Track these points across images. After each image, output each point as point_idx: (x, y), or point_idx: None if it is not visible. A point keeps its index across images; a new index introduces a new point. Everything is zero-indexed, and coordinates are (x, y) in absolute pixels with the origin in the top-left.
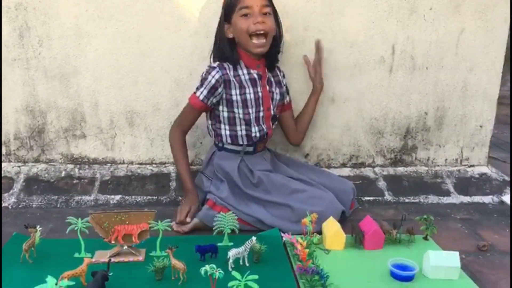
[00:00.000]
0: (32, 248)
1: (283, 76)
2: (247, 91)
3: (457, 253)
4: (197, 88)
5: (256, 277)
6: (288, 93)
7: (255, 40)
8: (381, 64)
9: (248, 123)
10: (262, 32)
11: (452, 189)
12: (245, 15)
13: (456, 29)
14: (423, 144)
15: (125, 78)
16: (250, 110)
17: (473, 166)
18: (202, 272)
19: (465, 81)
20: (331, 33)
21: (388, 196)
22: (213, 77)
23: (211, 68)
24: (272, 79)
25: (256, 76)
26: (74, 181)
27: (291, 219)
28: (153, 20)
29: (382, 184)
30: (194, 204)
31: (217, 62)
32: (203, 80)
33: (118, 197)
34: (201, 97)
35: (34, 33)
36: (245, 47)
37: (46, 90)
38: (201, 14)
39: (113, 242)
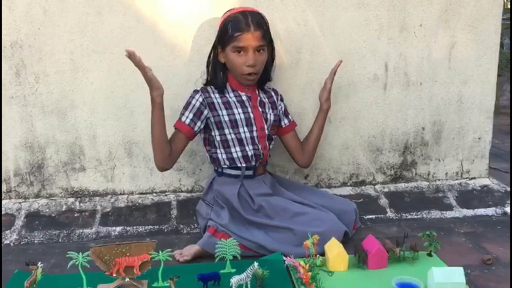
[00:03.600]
0: (34, 285)
1: (281, 99)
2: (236, 111)
3: (461, 269)
4: (182, 114)
5: None
6: (287, 115)
7: (247, 76)
8: (375, 82)
9: (241, 143)
10: (253, 71)
11: (454, 203)
12: (238, 51)
13: (447, 43)
14: (423, 159)
15: (122, 109)
16: (240, 130)
17: (474, 178)
18: None
19: (460, 94)
20: (324, 54)
21: (390, 213)
22: (197, 100)
23: (195, 92)
24: (265, 100)
25: (245, 98)
26: (75, 215)
27: (293, 242)
28: (147, 51)
29: (383, 201)
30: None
31: (201, 86)
32: (187, 104)
33: (119, 228)
34: (187, 121)
35: (30, 70)
36: (235, 77)
37: (44, 125)
38: (194, 43)
39: (114, 275)
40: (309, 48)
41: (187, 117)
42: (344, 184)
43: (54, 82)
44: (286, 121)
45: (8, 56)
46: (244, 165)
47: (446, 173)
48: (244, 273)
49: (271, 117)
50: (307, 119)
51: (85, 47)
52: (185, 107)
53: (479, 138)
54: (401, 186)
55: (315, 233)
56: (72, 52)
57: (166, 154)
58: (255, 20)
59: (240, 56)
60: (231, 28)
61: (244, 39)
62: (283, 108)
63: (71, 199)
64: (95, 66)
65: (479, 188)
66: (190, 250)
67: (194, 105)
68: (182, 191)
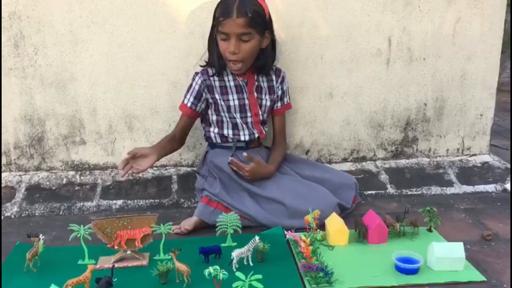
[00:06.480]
0: (36, 257)
1: (282, 81)
2: (231, 97)
3: (461, 244)
4: (184, 97)
5: (260, 277)
6: (282, 98)
7: (231, 64)
8: (378, 57)
9: (235, 127)
10: (235, 59)
11: (454, 179)
12: (224, 38)
13: (452, 18)
14: (424, 135)
15: (122, 82)
16: (235, 115)
17: (474, 155)
18: (206, 274)
19: (463, 70)
20: (326, 27)
21: (390, 189)
22: (196, 83)
23: (195, 74)
24: (263, 84)
25: (241, 83)
26: (76, 188)
27: (284, 213)
28: (147, 23)
29: (384, 177)
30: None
31: (202, 68)
32: (189, 87)
33: (120, 202)
34: (188, 104)
35: (29, 42)
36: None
37: (44, 98)
38: (195, 15)
39: (116, 247)
40: (311, 21)
41: (188, 100)
42: (344, 159)
43: (53, 54)
44: (279, 104)
45: (7, 27)
46: (236, 140)
47: (447, 150)
48: (245, 247)
49: (267, 102)
50: (309, 94)
51: (85, 18)
52: (188, 90)
53: (481, 115)
54: (402, 162)
55: (307, 207)
56: (71, 24)
57: (175, 145)
58: (242, 7)
59: (225, 42)
60: (218, 11)
61: (227, 25)
62: (280, 91)
63: (72, 172)
64: (95, 38)
65: (479, 164)
66: (189, 221)
67: (194, 88)
68: (182, 165)
